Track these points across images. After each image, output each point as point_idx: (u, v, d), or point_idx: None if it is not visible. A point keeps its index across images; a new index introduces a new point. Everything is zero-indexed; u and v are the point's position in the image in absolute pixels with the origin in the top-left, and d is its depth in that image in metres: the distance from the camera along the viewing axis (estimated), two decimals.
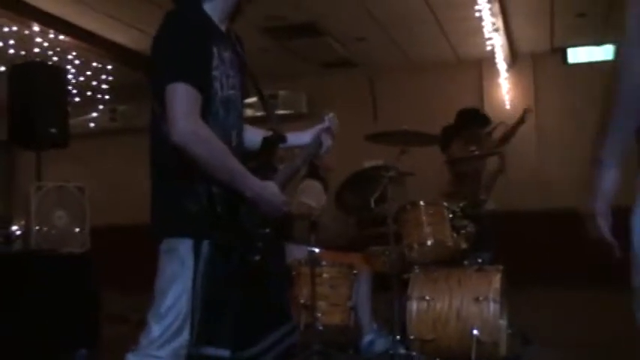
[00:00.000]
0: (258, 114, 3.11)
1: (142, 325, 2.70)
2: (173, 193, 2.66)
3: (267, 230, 2.77)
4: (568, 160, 10.39)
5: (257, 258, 2.72)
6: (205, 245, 2.61)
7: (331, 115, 3.28)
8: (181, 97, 2.52)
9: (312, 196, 6.08)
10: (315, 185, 6.22)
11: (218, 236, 2.63)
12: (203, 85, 2.61)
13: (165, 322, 2.60)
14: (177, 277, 2.61)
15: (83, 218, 6.39)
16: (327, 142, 3.21)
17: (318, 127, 3.21)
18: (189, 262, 2.60)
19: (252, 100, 3.16)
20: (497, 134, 7.72)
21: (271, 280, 2.92)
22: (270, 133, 3.01)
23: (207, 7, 2.76)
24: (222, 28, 2.83)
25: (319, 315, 5.29)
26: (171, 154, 2.59)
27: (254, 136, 3.02)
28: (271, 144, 2.96)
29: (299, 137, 3.18)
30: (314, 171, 6.26)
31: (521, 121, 8.28)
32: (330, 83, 12.12)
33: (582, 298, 9.24)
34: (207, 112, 2.63)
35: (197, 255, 2.60)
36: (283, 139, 3.01)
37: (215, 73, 2.68)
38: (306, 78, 12.06)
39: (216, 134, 2.61)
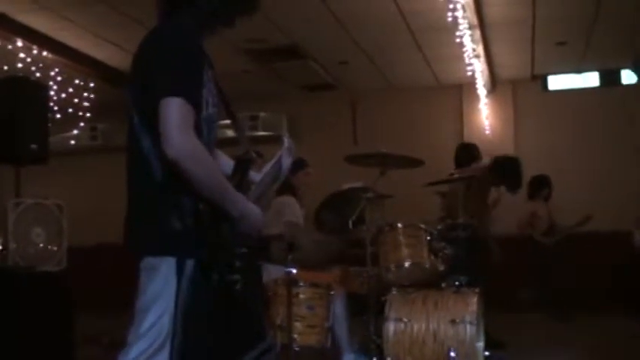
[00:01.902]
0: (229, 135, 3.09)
1: (114, 346, 2.66)
2: (155, 210, 2.61)
3: (245, 250, 2.77)
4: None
5: (235, 277, 2.70)
6: (189, 264, 2.58)
7: (287, 136, 3.27)
8: (177, 112, 2.47)
9: (294, 212, 6.12)
10: (293, 202, 6.27)
11: (201, 255, 2.60)
12: (197, 101, 2.58)
13: (146, 342, 2.57)
14: (160, 296, 2.58)
15: (61, 236, 6.35)
16: (287, 162, 3.20)
17: (279, 153, 3.19)
18: (172, 281, 2.56)
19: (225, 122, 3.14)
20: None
21: (248, 300, 2.91)
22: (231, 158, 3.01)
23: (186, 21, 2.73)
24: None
25: (296, 336, 5.25)
26: (152, 169, 2.58)
27: (219, 159, 3.00)
28: (244, 165, 2.95)
29: (256, 175, 3.15)
30: (288, 188, 6.31)
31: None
32: (312, 106, 12.16)
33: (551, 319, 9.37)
34: (195, 131, 2.57)
35: (180, 274, 2.57)
36: (254, 160, 3.00)
37: (203, 91, 2.65)
38: (288, 100, 12.09)
39: None
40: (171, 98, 2.49)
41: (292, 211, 6.18)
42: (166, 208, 2.59)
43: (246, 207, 2.72)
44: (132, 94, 2.70)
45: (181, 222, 2.57)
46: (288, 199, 6.28)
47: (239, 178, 2.87)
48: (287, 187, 6.32)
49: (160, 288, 2.58)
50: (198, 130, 2.61)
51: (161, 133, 2.48)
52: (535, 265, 9.68)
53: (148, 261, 2.63)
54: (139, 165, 2.65)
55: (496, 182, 7.19)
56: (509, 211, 10.21)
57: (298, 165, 6.36)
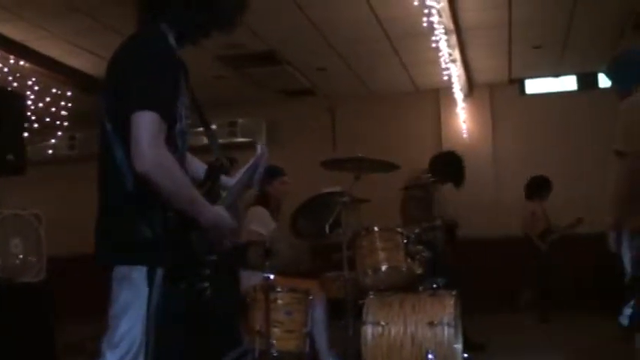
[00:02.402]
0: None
1: (97, 354, 2.67)
2: (126, 219, 2.61)
3: (214, 257, 2.79)
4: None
5: (204, 285, 2.71)
6: (159, 273, 2.59)
7: (261, 143, 3.30)
8: (148, 126, 2.47)
9: (261, 223, 6.11)
10: (262, 212, 6.27)
11: (171, 264, 2.62)
12: (169, 115, 2.58)
13: (120, 350, 2.58)
14: (132, 305, 2.59)
15: (39, 247, 6.33)
16: (260, 168, 3.21)
17: (251, 159, 3.20)
18: (144, 289, 2.57)
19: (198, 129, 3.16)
20: None
21: (219, 306, 2.92)
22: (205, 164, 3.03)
23: (165, 30, 2.74)
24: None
25: (274, 342, 5.27)
26: (125, 179, 2.58)
27: (192, 164, 3.02)
28: (216, 171, 2.97)
29: (229, 180, 3.17)
30: (261, 198, 6.32)
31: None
32: (290, 111, 12.19)
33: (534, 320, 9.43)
34: (168, 144, 2.59)
35: (151, 283, 2.58)
36: (226, 167, 3.02)
37: (178, 102, 2.66)
38: (266, 106, 12.10)
39: None
40: (143, 112, 2.49)
41: (260, 220, 6.17)
42: (137, 218, 2.60)
43: (216, 215, 2.73)
44: (105, 101, 2.70)
45: (151, 230, 2.58)
46: (259, 210, 6.28)
47: (210, 184, 2.89)
48: (261, 197, 6.34)
49: (132, 297, 2.59)
50: (172, 142, 2.63)
51: (132, 146, 2.48)
52: (532, 267, 9.74)
53: (119, 270, 2.64)
54: (111, 173, 2.66)
55: (440, 180, 7.15)
56: (509, 213, 10.35)
57: (274, 173, 6.37)
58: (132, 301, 2.59)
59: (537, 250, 9.72)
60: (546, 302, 9.50)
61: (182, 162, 2.75)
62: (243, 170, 3.11)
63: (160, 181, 2.50)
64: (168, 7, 2.74)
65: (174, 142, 2.67)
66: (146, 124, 2.48)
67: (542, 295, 9.59)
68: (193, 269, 2.69)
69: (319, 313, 5.74)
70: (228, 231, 2.80)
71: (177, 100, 2.65)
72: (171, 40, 2.74)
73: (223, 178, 3.03)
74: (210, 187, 2.87)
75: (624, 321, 3.31)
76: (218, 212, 2.76)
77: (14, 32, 8.66)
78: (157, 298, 2.59)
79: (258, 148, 3.21)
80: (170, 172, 2.54)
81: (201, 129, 3.01)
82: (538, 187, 9.96)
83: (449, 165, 7.37)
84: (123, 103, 2.55)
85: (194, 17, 2.76)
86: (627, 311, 3.32)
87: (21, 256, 6.16)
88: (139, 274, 2.59)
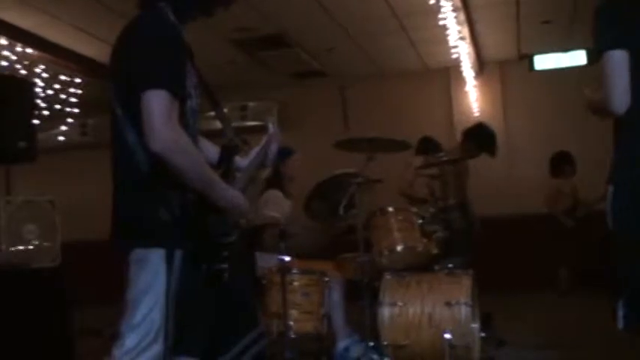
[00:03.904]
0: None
1: (115, 338, 2.67)
2: (143, 202, 2.61)
3: (232, 239, 2.78)
4: (537, 164, 10.49)
5: (223, 267, 2.72)
6: (178, 255, 2.59)
7: (273, 122, 3.27)
8: (161, 105, 2.46)
9: (275, 206, 6.10)
10: (276, 195, 6.27)
11: (190, 245, 2.62)
12: (181, 92, 2.58)
13: (140, 332, 2.58)
14: (150, 287, 2.59)
15: (54, 232, 6.34)
16: (273, 148, 3.20)
17: (264, 139, 3.19)
18: (162, 272, 2.58)
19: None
20: None
21: (237, 288, 2.93)
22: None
23: (165, 9, 2.72)
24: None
25: (291, 323, 5.27)
26: (139, 163, 2.58)
27: (204, 147, 3.01)
28: (230, 153, 2.96)
29: (243, 161, 3.16)
30: (275, 180, 6.32)
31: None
32: (301, 94, 12.15)
33: (552, 301, 9.37)
34: (180, 122, 2.58)
35: (170, 265, 2.58)
36: (239, 148, 3.01)
37: (186, 81, 2.65)
38: (277, 89, 12.07)
39: None
40: (154, 91, 2.47)
41: (274, 203, 6.17)
42: (154, 200, 2.59)
43: (233, 196, 2.73)
44: (114, 86, 2.69)
45: (169, 213, 2.58)
46: (272, 192, 6.29)
47: (225, 166, 2.89)
48: (274, 177, 6.33)
49: (150, 279, 2.60)
50: (183, 121, 2.61)
51: (145, 126, 2.47)
52: (556, 245, 9.67)
53: (137, 253, 2.64)
54: (125, 158, 2.64)
55: (473, 153, 7.14)
56: (533, 189, 10.29)
57: (286, 153, 6.37)
58: (151, 283, 2.60)
59: (562, 227, 9.64)
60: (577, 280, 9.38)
61: (195, 141, 2.73)
62: (256, 150, 3.11)
63: (176, 159, 2.49)
64: None
65: (186, 120, 2.66)
66: (158, 102, 2.46)
67: (571, 274, 9.48)
68: (212, 251, 2.68)
69: (336, 294, 5.73)
70: (245, 212, 2.79)
71: (185, 78, 2.63)
72: (172, 18, 2.71)
73: (237, 159, 3.02)
74: (225, 169, 2.87)
75: (620, 323, 3.13)
76: (235, 193, 2.75)
77: (20, 19, 8.63)
78: (175, 280, 2.60)
79: (270, 127, 3.20)
80: (186, 149, 2.53)
81: (212, 113, 2.99)
82: (559, 163, 9.88)
83: (482, 136, 7.32)
84: (132, 85, 2.53)
85: None
86: (621, 311, 3.13)
87: (36, 242, 6.18)
88: (157, 256, 2.59)
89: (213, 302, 2.75)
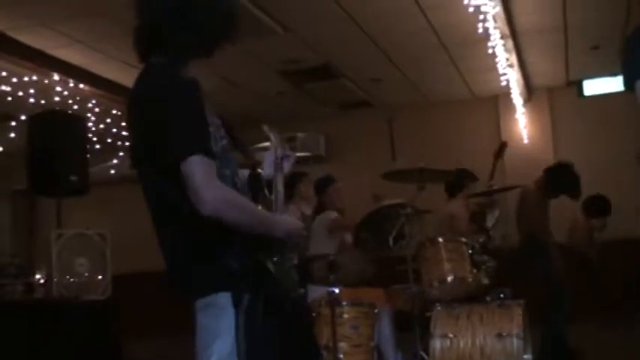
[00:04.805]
0: None
1: None
2: (209, 251, 2.61)
3: (297, 275, 2.80)
4: (588, 191, 10.33)
5: (294, 306, 2.76)
6: (246, 298, 2.59)
7: (267, 128, 3.21)
8: (200, 170, 2.49)
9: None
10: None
11: (259, 289, 2.62)
12: (212, 149, 2.58)
13: None
14: (221, 332, 2.59)
15: (104, 265, 6.41)
16: (279, 153, 3.11)
17: (268, 153, 3.14)
18: (231, 315, 2.57)
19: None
20: None
21: (303, 320, 2.94)
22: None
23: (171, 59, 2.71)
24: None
25: (341, 356, 5.20)
26: (190, 220, 2.56)
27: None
28: (258, 179, 2.99)
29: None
30: (319, 209, 6.35)
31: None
32: (348, 124, 12.17)
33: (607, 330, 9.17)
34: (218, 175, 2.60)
35: (237, 308, 2.57)
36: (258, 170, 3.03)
37: (210, 130, 2.64)
38: (324, 120, 12.11)
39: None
40: (190, 158, 2.49)
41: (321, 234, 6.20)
42: (220, 249, 2.60)
43: (287, 223, 2.76)
44: (137, 145, 2.71)
45: (238, 262, 2.60)
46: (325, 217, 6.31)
47: (256, 192, 2.91)
48: (319, 208, 6.33)
49: (221, 324, 2.59)
50: (220, 172, 2.62)
51: (190, 193, 2.50)
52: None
53: (205, 300, 2.63)
54: (175, 216, 2.65)
55: (555, 193, 7.05)
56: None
57: (327, 181, 6.36)
58: (220, 328, 2.59)
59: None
60: None
61: (234, 182, 2.73)
62: (266, 166, 3.09)
63: (229, 216, 2.53)
64: (164, 38, 2.70)
65: (222, 171, 2.65)
66: (197, 169, 2.49)
67: None
68: (281, 291, 2.71)
69: (386, 326, 5.67)
70: (299, 231, 2.80)
71: (209, 130, 2.62)
72: (181, 73, 2.70)
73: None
74: (255, 194, 2.89)
75: None
76: (286, 220, 2.78)
77: (72, 56, 8.81)
78: (245, 322, 2.58)
79: (270, 136, 3.16)
80: (234, 204, 2.57)
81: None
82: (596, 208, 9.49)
83: (564, 176, 7.18)
84: (165, 151, 2.54)
85: (189, 40, 2.71)
86: None
87: (86, 274, 6.24)
88: (224, 300, 2.58)
89: (283, 341, 2.74)
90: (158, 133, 2.57)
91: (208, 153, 2.53)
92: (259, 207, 2.76)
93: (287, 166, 3.13)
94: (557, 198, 7.12)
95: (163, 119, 2.56)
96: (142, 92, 2.70)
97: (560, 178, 7.09)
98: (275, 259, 2.70)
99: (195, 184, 2.48)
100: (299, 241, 2.84)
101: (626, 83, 3.14)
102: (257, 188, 2.94)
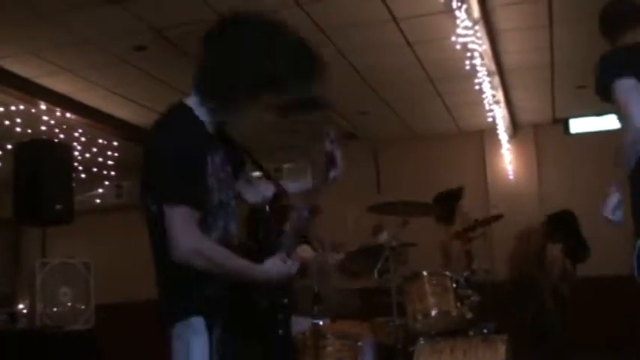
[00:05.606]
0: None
1: None
2: (188, 279, 2.66)
3: (285, 300, 2.83)
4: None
5: (280, 331, 2.80)
6: (220, 323, 2.65)
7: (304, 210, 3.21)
8: (180, 220, 2.58)
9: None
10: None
11: (234, 314, 2.68)
12: (201, 201, 2.66)
13: None
14: (195, 356, 2.62)
15: (88, 294, 6.38)
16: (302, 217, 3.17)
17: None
18: (205, 340, 2.62)
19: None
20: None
21: (287, 348, 2.95)
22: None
23: (200, 112, 2.75)
24: (212, 129, 2.80)
25: None
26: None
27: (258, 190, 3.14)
28: (283, 210, 3.04)
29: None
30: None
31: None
32: None
33: None
34: (207, 220, 2.69)
35: (212, 332, 2.62)
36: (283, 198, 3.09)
37: (210, 180, 2.71)
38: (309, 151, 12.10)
39: (217, 238, 2.71)
40: (172, 206, 2.60)
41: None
42: (199, 280, 2.65)
43: (265, 272, 2.76)
44: (147, 183, 2.78)
45: (215, 292, 2.66)
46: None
47: (279, 224, 2.96)
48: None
49: (194, 349, 2.63)
50: (209, 219, 2.70)
51: (167, 237, 2.60)
52: None
53: (180, 325, 2.68)
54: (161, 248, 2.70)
55: (554, 239, 7.10)
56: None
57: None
58: (195, 351, 2.62)
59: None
60: None
61: (227, 232, 2.80)
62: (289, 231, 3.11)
63: (198, 265, 2.60)
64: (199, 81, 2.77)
65: (214, 217, 2.74)
66: (176, 218, 2.59)
67: None
68: (263, 316, 2.76)
69: (369, 358, 5.65)
70: (285, 274, 2.80)
71: (206, 180, 2.70)
72: (200, 112, 2.75)
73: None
74: (279, 226, 2.94)
75: None
76: (267, 269, 2.77)
77: (59, 85, 8.80)
78: (218, 346, 2.62)
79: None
80: (206, 256, 2.62)
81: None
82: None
83: (564, 223, 7.23)
84: (157, 195, 2.68)
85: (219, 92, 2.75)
86: None
87: (69, 304, 6.21)
88: (198, 324, 2.63)
89: None
90: (151, 179, 2.71)
91: (193, 205, 2.61)
92: (239, 258, 2.73)
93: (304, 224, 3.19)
94: (553, 243, 7.17)
95: (157, 166, 2.69)
96: (150, 140, 2.77)
97: (561, 224, 7.16)
98: (261, 296, 2.73)
99: (172, 231, 2.59)
100: (282, 283, 2.83)
101: (601, 88, 3.27)
102: (280, 220, 3.00)
